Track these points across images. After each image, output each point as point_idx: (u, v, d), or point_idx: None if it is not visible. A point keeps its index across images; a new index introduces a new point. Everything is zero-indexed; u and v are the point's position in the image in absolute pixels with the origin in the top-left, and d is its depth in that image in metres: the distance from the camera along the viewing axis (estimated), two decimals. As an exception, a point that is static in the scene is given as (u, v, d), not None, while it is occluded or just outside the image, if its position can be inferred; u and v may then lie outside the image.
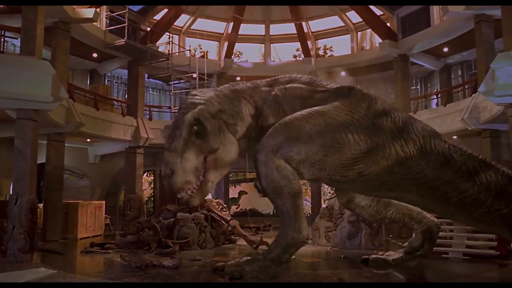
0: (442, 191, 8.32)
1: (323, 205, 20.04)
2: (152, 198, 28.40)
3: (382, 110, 8.67)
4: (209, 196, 28.12)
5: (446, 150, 8.31)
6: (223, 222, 16.46)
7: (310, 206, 27.70)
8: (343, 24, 27.89)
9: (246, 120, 9.39)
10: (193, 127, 8.44)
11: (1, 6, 17.34)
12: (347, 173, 8.40)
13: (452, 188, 8.20)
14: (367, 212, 10.85)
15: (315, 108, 8.82)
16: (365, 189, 9.32)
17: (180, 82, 26.12)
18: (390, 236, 17.75)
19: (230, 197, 28.71)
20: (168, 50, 24.95)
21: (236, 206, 29.13)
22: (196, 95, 9.22)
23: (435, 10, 22.08)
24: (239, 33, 27.95)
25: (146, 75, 25.33)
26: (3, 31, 15.71)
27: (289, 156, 8.32)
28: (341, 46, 28.32)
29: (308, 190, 27.89)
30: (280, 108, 9.45)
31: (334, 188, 12.50)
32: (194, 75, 24.52)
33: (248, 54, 29.47)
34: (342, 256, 13.33)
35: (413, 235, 11.22)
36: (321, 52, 28.92)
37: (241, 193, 29.49)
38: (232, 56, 28.09)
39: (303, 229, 8.44)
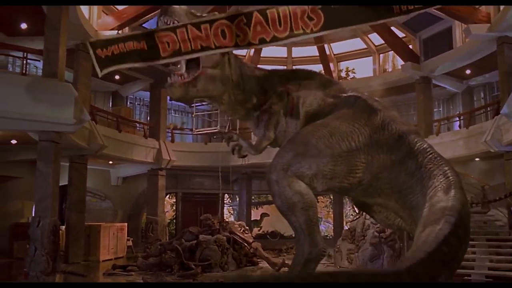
0: (404, 194, 8.34)
1: (345, 227, 19.89)
2: (174, 220, 28.31)
3: (380, 124, 8.67)
4: (231, 218, 28.29)
5: (423, 160, 8.32)
6: (245, 244, 16.41)
7: (333, 228, 27.51)
8: (365, 46, 27.82)
9: (249, 98, 9.47)
10: None
11: (24, 28, 17.60)
12: (352, 180, 8.42)
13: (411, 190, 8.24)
14: (379, 216, 10.76)
15: (318, 121, 8.89)
16: (362, 196, 9.35)
17: (202, 104, 25.99)
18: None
19: (252, 219, 28.54)
20: (190, 73, 25.01)
21: (258, 228, 29.04)
22: None
23: (457, 32, 21.98)
24: (261, 55, 27.99)
25: (168, 97, 25.31)
26: (25, 54, 15.85)
27: (301, 172, 8.26)
28: (363, 68, 28.31)
29: (330, 213, 27.75)
30: (289, 101, 9.53)
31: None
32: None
33: (271, 76, 29.23)
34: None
35: None
36: (343, 74, 28.86)
37: (263, 215, 29.42)
38: (255, 79, 27.89)
39: (319, 241, 8.32)
